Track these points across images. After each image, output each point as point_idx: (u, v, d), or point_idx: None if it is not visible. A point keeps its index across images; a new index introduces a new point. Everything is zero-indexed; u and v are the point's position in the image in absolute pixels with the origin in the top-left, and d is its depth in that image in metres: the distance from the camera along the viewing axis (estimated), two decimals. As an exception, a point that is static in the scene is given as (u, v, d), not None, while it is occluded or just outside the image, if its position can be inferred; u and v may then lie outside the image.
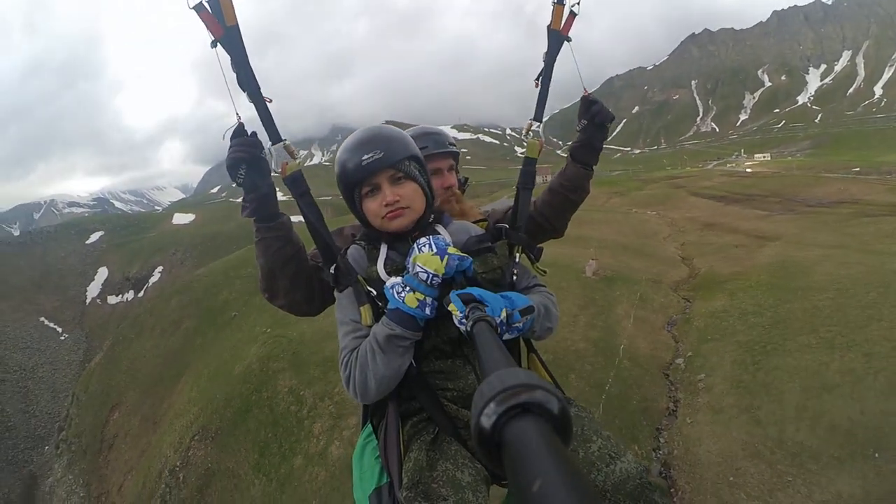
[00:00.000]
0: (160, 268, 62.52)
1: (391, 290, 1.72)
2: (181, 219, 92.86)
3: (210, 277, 29.99)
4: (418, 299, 1.66)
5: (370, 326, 1.78)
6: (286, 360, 12.88)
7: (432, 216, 2.09)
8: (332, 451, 9.03)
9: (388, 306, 1.73)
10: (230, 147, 1.83)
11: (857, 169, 69.82)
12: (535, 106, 2.35)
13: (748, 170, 71.51)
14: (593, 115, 2.30)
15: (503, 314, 1.49)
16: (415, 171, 1.97)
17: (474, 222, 2.35)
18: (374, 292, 1.84)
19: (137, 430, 20.92)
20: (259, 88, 1.83)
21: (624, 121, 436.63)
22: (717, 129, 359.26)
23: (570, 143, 2.52)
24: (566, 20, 2.29)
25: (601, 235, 22.68)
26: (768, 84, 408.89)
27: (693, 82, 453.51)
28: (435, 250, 1.70)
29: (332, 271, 1.91)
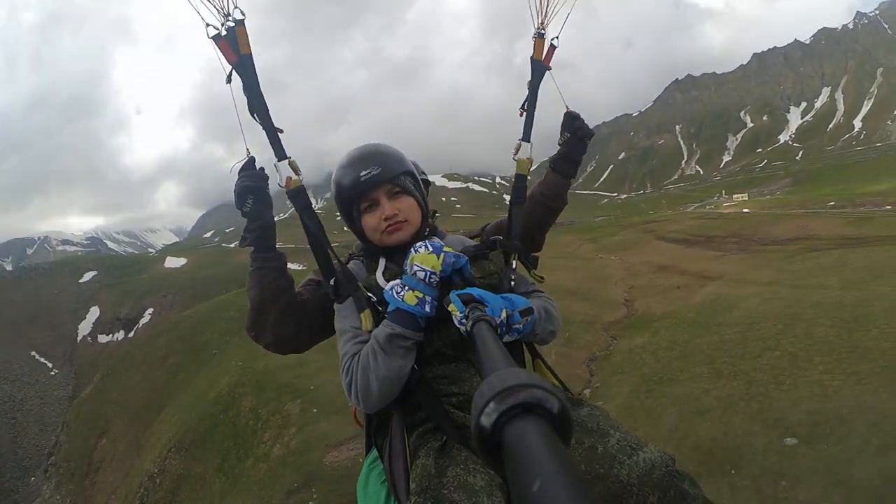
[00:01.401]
0: (150, 309, 63.65)
1: (391, 291, 1.74)
2: (173, 262, 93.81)
3: (196, 318, 32.52)
4: (417, 297, 1.68)
5: (370, 332, 1.81)
6: (250, 386, 15.61)
7: (427, 230, 2.13)
8: (274, 451, 11.66)
9: (389, 307, 1.75)
10: (240, 177, 1.91)
11: (832, 203, 72.25)
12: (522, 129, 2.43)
13: (725, 211, 73.35)
14: (576, 130, 2.40)
15: (503, 314, 1.51)
16: (411, 186, 2.03)
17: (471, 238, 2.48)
18: (374, 298, 1.87)
19: (122, 455, 23.04)
20: (267, 109, 1.94)
21: (611, 167, 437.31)
22: (702, 172, 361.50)
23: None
24: (547, 52, 2.41)
25: (554, 280, 23.79)
26: (750, 125, 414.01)
27: (677, 127, 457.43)
28: (431, 249, 1.73)
29: (332, 283, 1.94)
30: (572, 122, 2.41)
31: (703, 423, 7.69)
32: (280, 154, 1.98)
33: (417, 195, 2.08)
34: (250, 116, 1.95)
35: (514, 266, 2.19)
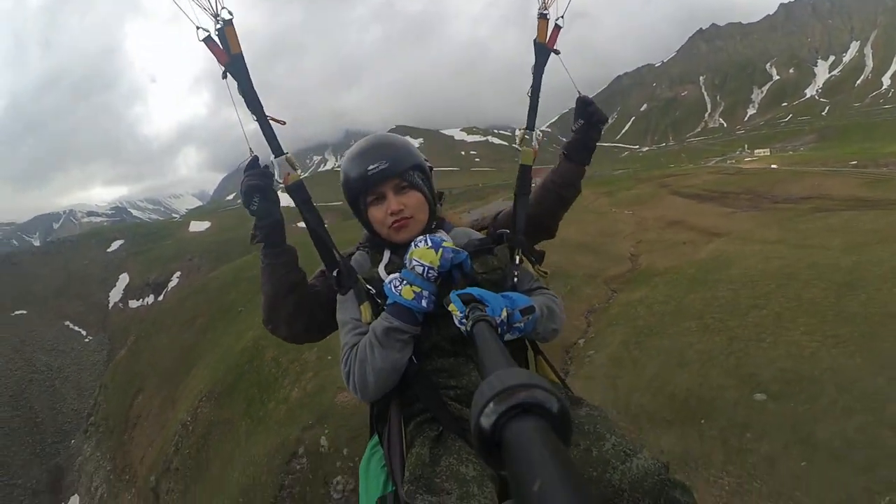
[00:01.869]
0: (178, 273, 65.01)
1: (389, 285, 1.75)
2: (197, 226, 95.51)
3: (221, 279, 33.97)
4: (415, 292, 1.70)
5: (370, 324, 1.82)
6: (272, 339, 16.34)
7: (434, 224, 2.13)
8: (293, 394, 12.75)
9: (387, 301, 1.76)
10: (245, 177, 1.93)
11: (855, 162, 69.42)
12: (526, 116, 2.39)
13: (746, 166, 72.07)
14: (590, 116, 2.33)
15: (503, 314, 1.51)
16: (419, 181, 2.01)
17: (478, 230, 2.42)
18: (374, 290, 1.88)
19: (158, 410, 24.55)
20: (262, 108, 1.95)
21: (633, 119, 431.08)
22: (725, 125, 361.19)
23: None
24: (551, 33, 2.33)
25: (564, 235, 24.18)
26: (776, 78, 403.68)
27: (701, 78, 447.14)
28: (430, 244, 1.73)
29: (334, 274, 1.96)
30: (585, 107, 2.34)
31: (682, 375, 7.97)
32: (277, 150, 2.00)
33: (425, 189, 2.04)
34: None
35: (517, 261, 2.13)
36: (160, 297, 62.18)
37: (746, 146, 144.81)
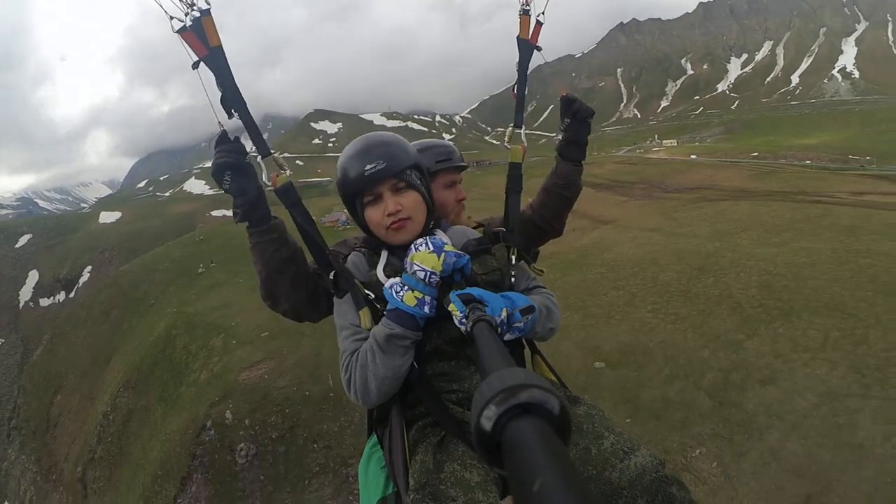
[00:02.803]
0: (89, 267, 64.02)
1: (390, 290, 1.70)
2: (107, 217, 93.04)
3: (133, 273, 34.29)
4: (417, 297, 1.65)
5: (369, 330, 1.76)
6: (183, 328, 17.97)
7: (432, 223, 2.03)
8: (202, 377, 14.21)
9: (388, 306, 1.70)
10: (215, 153, 1.81)
11: (756, 154, 75.82)
12: (514, 113, 2.37)
13: (652, 156, 75.85)
14: (575, 113, 2.32)
15: (503, 314, 1.49)
16: (416, 181, 1.92)
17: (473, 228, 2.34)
18: (373, 295, 1.81)
19: (78, 407, 25.23)
20: (245, 104, 1.84)
21: (551, 107, 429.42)
22: (639, 116, 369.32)
23: (554, 139, 2.51)
24: (533, 30, 2.31)
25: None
26: (690, 72, 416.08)
27: (619, 70, 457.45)
28: (431, 248, 1.69)
29: (330, 277, 1.88)
30: (570, 105, 2.34)
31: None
32: (263, 150, 1.91)
33: (423, 189, 1.96)
34: (225, 110, 1.84)
35: (513, 260, 2.10)
36: (71, 294, 61.53)
37: (657, 136, 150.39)
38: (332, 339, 8.07)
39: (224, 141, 1.82)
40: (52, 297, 65.67)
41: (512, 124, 2.33)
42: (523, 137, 2.32)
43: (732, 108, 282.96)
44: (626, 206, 28.67)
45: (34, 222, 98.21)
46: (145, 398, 16.36)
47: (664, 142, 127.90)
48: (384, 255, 1.93)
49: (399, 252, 1.89)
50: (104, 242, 69.44)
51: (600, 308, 11.50)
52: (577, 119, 2.33)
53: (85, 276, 63.37)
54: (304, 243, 1.94)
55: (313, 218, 1.97)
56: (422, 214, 1.92)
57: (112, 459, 16.38)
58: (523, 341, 2.05)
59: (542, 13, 2.29)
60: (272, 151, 1.90)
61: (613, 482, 1.52)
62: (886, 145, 78.09)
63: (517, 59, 2.33)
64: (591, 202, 32.12)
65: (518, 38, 2.29)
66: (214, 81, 1.82)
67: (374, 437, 1.96)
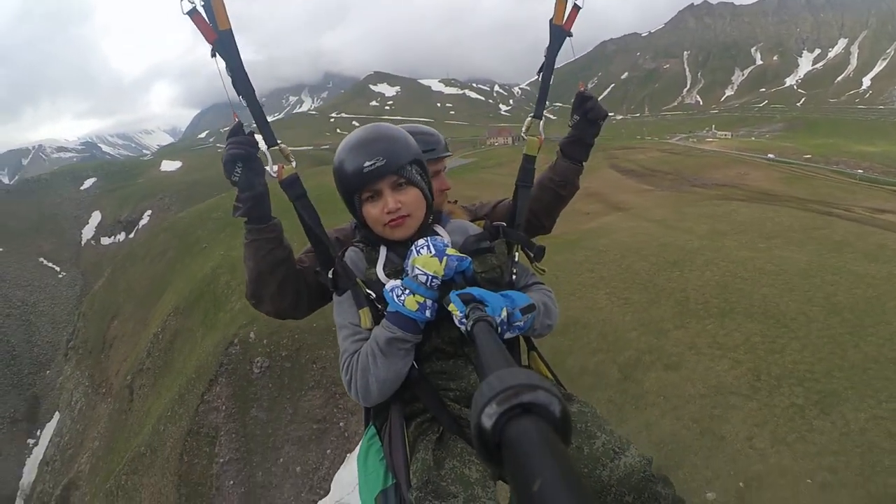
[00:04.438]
0: (149, 212, 66.93)
1: (391, 294, 1.67)
2: (168, 166, 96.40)
3: (189, 219, 37.73)
4: (418, 302, 1.63)
5: (370, 329, 1.76)
6: (227, 268, 21.31)
7: (431, 217, 1.99)
8: (237, 306, 17.29)
9: (388, 309, 1.68)
10: (227, 144, 1.77)
11: (808, 156, 72.34)
12: (535, 102, 2.30)
13: (704, 146, 73.78)
14: (587, 112, 2.22)
15: (503, 313, 1.49)
16: (417, 176, 1.87)
17: (471, 221, 2.32)
18: (374, 295, 1.80)
19: (132, 332, 28.62)
20: (254, 92, 1.80)
21: (612, 86, 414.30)
22: (701, 102, 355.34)
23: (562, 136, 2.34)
24: (569, 14, 2.19)
25: (487, 194, 27.01)
26: (759, 62, 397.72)
27: (685, 53, 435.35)
28: (433, 252, 1.66)
29: (329, 275, 1.85)
30: (584, 102, 2.21)
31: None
32: (270, 140, 1.84)
33: (423, 185, 1.88)
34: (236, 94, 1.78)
35: (516, 257, 2.07)
36: (131, 235, 64.39)
37: (714, 126, 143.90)
38: None
39: (238, 132, 1.77)
40: (112, 237, 69.02)
41: (531, 114, 2.26)
42: (541, 129, 2.25)
43: (798, 104, 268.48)
44: (647, 196, 29.02)
45: (99, 167, 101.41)
46: (190, 321, 19.79)
47: (718, 133, 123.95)
48: (383, 251, 1.90)
49: (398, 248, 1.87)
50: (164, 189, 72.47)
51: (569, 286, 12.76)
52: (587, 118, 2.23)
53: (144, 220, 66.36)
54: (307, 237, 1.92)
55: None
56: (422, 210, 1.88)
57: (157, 370, 19.77)
58: (520, 338, 2.01)
59: None
60: (279, 142, 1.84)
61: (604, 480, 1.56)
62: None
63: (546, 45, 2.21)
64: (615, 188, 33.13)
65: (551, 22, 2.17)
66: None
67: (373, 429, 1.94)
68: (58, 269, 65.68)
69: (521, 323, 1.57)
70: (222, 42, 1.73)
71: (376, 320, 1.75)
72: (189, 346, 18.25)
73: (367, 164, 1.76)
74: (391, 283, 1.70)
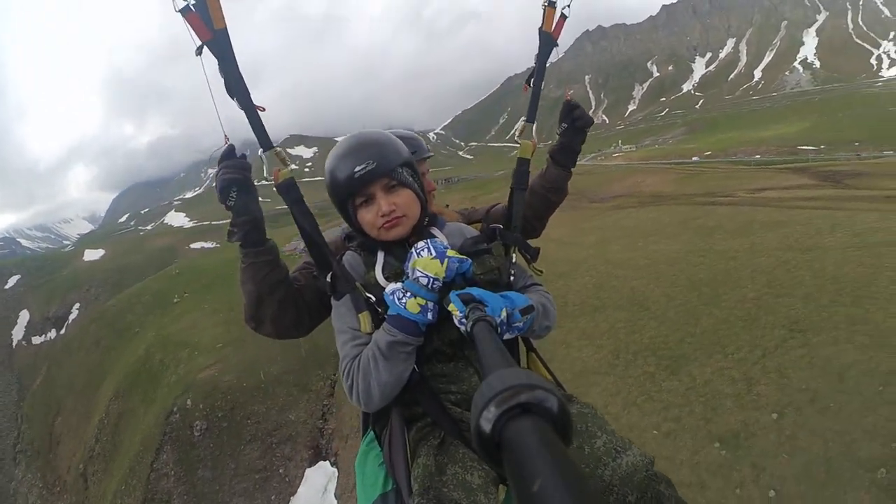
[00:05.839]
0: (77, 304, 66.40)
1: (392, 297, 1.67)
2: (91, 255, 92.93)
3: (118, 306, 38.56)
4: (420, 304, 1.63)
5: (369, 334, 1.75)
6: (159, 346, 22.99)
7: (426, 219, 2.01)
8: (172, 379, 18.93)
9: (389, 312, 1.69)
10: (220, 169, 1.75)
11: (709, 153, 77.33)
12: (527, 107, 2.35)
13: (610, 162, 76.92)
14: (574, 120, 2.29)
15: (503, 314, 1.49)
16: (408, 178, 1.89)
17: (468, 224, 2.36)
18: (373, 298, 1.78)
19: (77, 425, 28.97)
20: (248, 93, 1.77)
21: (523, 118, 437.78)
22: (608, 121, 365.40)
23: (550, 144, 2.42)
24: (557, 23, 2.27)
25: None
26: (656, 74, 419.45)
27: (587, 77, 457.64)
28: (434, 254, 1.67)
29: (328, 279, 1.85)
30: (570, 111, 2.29)
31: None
32: (265, 143, 1.83)
33: (415, 186, 1.91)
34: (229, 98, 1.77)
35: (513, 259, 2.08)
36: (62, 331, 62.78)
37: (620, 142, 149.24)
38: (265, 345, 17.62)
39: (230, 156, 1.76)
40: (43, 336, 65.91)
41: (524, 118, 2.31)
42: (534, 133, 2.32)
43: (696, 107, 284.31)
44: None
45: (21, 263, 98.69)
46: (131, 402, 21.14)
47: (624, 147, 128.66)
48: (381, 255, 1.91)
49: (396, 251, 1.88)
50: (90, 280, 71.92)
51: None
52: (574, 126, 2.29)
53: (74, 314, 65.26)
54: (304, 242, 1.92)
55: (272, 250, 1.90)
56: (416, 211, 1.90)
57: (107, 454, 20.87)
58: (519, 339, 2.03)
59: (568, 6, 2.25)
60: (275, 146, 1.85)
61: (605, 480, 1.53)
62: (841, 132, 79.98)
63: (536, 51, 2.30)
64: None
65: (540, 29, 2.24)
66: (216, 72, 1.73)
67: (371, 434, 1.95)
68: (-9, 375, 63.47)
69: (521, 324, 1.58)
70: (217, 41, 1.71)
71: (376, 324, 1.75)
72: (133, 424, 19.59)
73: (358, 168, 1.77)
74: (392, 286, 1.70)
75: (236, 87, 1.75)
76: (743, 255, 13.82)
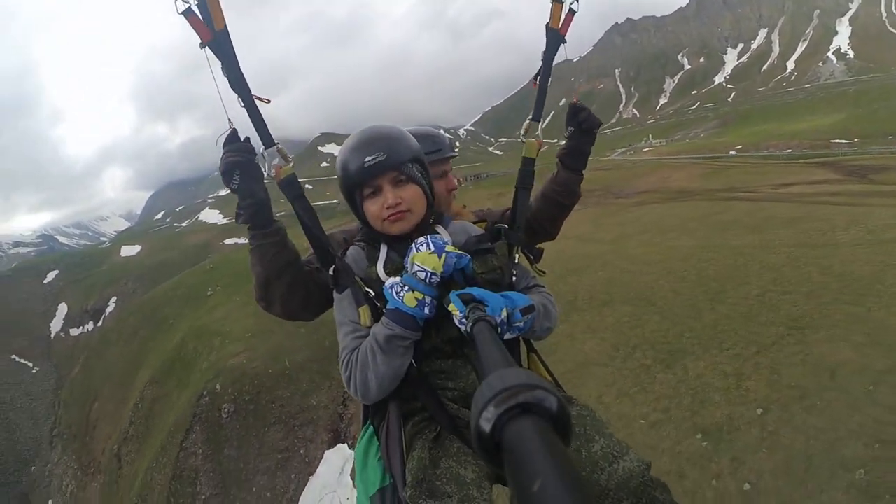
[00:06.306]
0: (114, 298, 68.02)
1: (390, 290, 1.71)
2: (128, 251, 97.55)
3: (155, 300, 40.09)
4: (417, 299, 1.66)
5: (369, 327, 1.79)
6: (193, 336, 24.25)
7: (432, 217, 2.06)
8: (204, 365, 20.25)
9: (388, 306, 1.72)
10: (224, 153, 1.80)
11: (740, 146, 76.53)
12: (533, 105, 2.33)
13: (640, 157, 76.25)
14: (581, 122, 2.28)
15: (503, 314, 1.50)
16: (417, 174, 1.93)
17: (473, 223, 2.32)
18: (373, 293, 1.84)
19: (113, 411, 30.20)
20: (250, 91, 1.82)
21: (552, 113, 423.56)
22: (638, 115, 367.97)
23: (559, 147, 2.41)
24: (565, 18, 2.26)
25: None
26: (687, 67, 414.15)
27: (616, 71, 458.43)
28: (433, 249, 1.69)
29: (330, 273, 1.90)
30: (577, 113, 2.28)
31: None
32: (267, 140, 1.88)
33: (423, 182, 1.95)
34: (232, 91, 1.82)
35: (516, 259, 2.11)
36: (99, 323, 65.13)
37: (650, 136, 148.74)
38: (291, 334, 19.38)
39: (234, 140, 1.81)
40: (81, 328, 69.24)
41: (530, 116, 2.29)
42: (540, 131, 2.32)
43: (729, 99, 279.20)
44: (571, 215, 32.23)
45: (59, 259, 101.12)
46: (166, 388, 22.41)
47: (654, 141, 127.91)
48: (383, 249, 1.95)
49: (398, 247, 1.92)
50: (127, 275, 73.77)
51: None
52: (581, 129, 2.29)
53: (111, 307, 67.18)
54: (307, 237, 1.96)
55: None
56: (422, 207, 1.94)
57: (140, 436, 22.13)
58: (520, 339, 2.06)
59: (577, 1, 2.23)
60: (276, 143, 1.88)
61: (602, 484, 1.54)
62: (876, 124, 77.40)
63: (543, 49, 2.27)
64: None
65: (547, 26, 2.23)
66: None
67: (371, 429, 1.97)
68: (30, 364, 65.52)
69: (521, 324, 1.60)
70: (218, 42, 1.75)
71: (376, 318, 1.79)
72: (167, 409, 20.81)
73: (368, 159, 1.81)
74: (390, 280, 1.74)
75: (238, 85, 1.81)
76: (754, 252, 13.80)
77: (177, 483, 17.10)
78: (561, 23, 2.25)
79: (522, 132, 2.32)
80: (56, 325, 73.69)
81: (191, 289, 37.05)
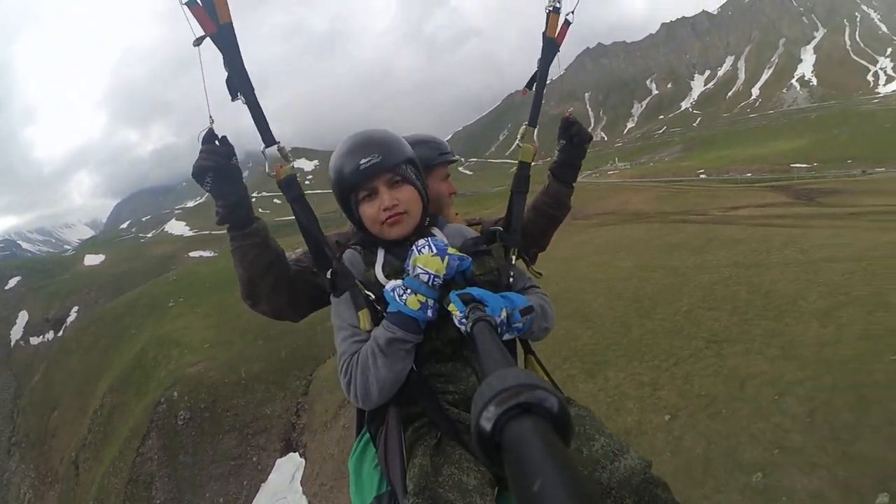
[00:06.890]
0: (76, 307, 67.50)
1: (392, 293, 1.68)
2: (92, 260, 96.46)
3: (117, 309, 40.45)
4: (420, 301, 1.64)
5: (368, 331, 1.75)
6: (153, 344, 24.99)
7: (427, 219, 2.03)
8: (162, 374, 20.81)
9: (389, 309, 1.69)
10: (199, 153, 1.73)
11: (702, 171, 77.91)
12: (529, 111, 2.36)
13: (605, 179, 77.68)
14: (572, 136, 2.31)
15: (503, 314, 1.49)
16: (412, 175, 1.92)
17: (468, 226, 2.34)
18: (373, 296, 1.79)
19: (72, 420, 30.24)
20: (252, 88, 1.77)
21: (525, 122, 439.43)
22: (606, 139, 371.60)
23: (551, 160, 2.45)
24: (560, 28, 2.29)
25: None
26: (655, 92, 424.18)
27: (586, 94, 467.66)
28: (435, 251, 1.67)
29: (328, 276, 1.85)
30: (569, 128, 2.32)
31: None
32: (268, 139, 1.82)
33: (418, 184, 1.94)
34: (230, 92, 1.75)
35: (513, 260, 2.10)
36: (60, 333, 63.71)
37: (616, 159, 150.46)
38: (249, 345, 21.21)
39: (210, 140, 1.74)
40: (41, 336, 67.14)
41: (526, 122, 2.32)
42: (535, 137, 2.31)
43: (694, 124, 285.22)
44: None
45: (22, 265, 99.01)
46: (125, 395, 22.99)
47: (619, 164, 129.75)
48: (381, 253, 1.91)
49: (396, 250, 1.89)
50: (90, 284, 73.15)
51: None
52: (572, 143, 2.32)
53: (72, 316, 66.26)
54: (304, 238, 1.89)
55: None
56: (417, 209, 1.92)
57: (98, 443, 22.50)
58: (517, 341, 2.04)
59: (572, 12, 2.26)
60: (277, 142, 1.84)
61: (603, 482, 1.53)
62: (836, 149, 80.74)
63: (538, 57, 2.32)
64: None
65: (544, 34, 2.26)
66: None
67: (366, 435, 1.95)
68: (-11, 372, 64.13)
69: (520, 324, 1.58)
70: (222, 35, 1.70)
71: (375, 322, 1.75)
72: (126, 416, 21.35)
73: (363, 161, 1.80)
74: (392, 283, 1.70)
75: (240, 81, 1.75)
76: (690, 271, 14.20)
77: (133, 487, 17.68)
78: (557, 32, 2.30)
79: (519, 137, 2.35)
80: (16, 332, 71.58)
81: (153, 299, 37.50)
